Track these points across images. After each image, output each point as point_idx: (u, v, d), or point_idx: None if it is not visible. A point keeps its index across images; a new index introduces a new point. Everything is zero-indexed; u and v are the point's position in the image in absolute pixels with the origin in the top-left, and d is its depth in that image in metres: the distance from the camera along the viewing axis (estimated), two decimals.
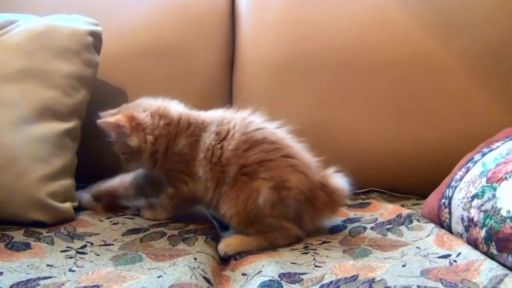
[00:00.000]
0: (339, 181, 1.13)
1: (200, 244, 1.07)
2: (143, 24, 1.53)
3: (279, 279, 0.89)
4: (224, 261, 1.06)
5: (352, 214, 1.27)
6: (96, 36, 1.36)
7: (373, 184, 1.42)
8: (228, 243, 1.08)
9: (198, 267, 0.94)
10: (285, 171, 1.08)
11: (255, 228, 1.08)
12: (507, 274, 0.86)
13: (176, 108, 1.19)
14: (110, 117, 1.14)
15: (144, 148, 1.14)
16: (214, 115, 1.18)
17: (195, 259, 0.97)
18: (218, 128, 1.13)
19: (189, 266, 0.93)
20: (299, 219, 1.10)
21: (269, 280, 0.88)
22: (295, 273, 0.93)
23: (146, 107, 1.17)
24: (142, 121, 1.14)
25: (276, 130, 1.15)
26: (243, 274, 0.95)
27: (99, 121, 1.14)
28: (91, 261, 0.97)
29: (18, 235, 1.08)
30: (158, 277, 0.89)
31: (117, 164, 1.40)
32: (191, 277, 0.89)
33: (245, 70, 1.53)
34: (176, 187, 1.16)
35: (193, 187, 1.14)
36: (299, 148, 1.14)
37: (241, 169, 1.09)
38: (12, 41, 1.25)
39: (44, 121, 1.21)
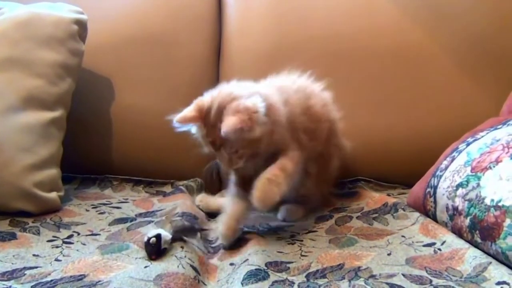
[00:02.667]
0: None
1: (186, 233, 1.06)
2: (129, 13, 1.52)
3: (265, 268, 0.90)
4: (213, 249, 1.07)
5: (338, 204, 1.28)
6: (81, 25, 1.34)
7: (360, 173, 1.43)
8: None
9: (185, 256, 0.94)
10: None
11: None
12: (490, 262, 0.87)
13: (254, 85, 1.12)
14: (230, 121, 0.95)
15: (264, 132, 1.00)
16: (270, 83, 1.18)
17: (182, 247, 0.97)
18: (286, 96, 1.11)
19: (175, 256, 0.93)
20: None
21: (255, 269, 0.89)
22: (282, 262, 0.93)
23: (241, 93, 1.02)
24: (254, 107, 0.99)
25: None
26: (231, 264, 0.96)
27: (223, 132, 0.95)
28: (77, 250, 0.97)
29: (3, 225, 1.08)
30: (145, 267, 0.89)
31: (103, 154, 1.40)
32: (178, 266, 0.89)
33: (232, 59, 1.52)
34: (292, 150, 1.07)
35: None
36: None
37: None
38: None
39: (29, 110, 1.20)
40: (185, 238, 1.00)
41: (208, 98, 1.02)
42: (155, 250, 0.93)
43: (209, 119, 1.00)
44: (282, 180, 1.00)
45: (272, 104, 1.03)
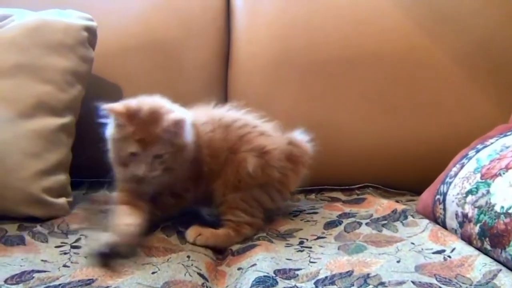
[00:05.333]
0: (301, 137, 1.22)
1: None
2: (138, 20, 1.53)
3: (274, 275, 0.89)
4: (220, 253, 1.07)
5: (347, 210, 1.27)
6: (91, 31, 1.35)
7: (368, 179, 1.43)
8: (199, 231, 1.09)
9: (192, 264, 0.94)
10: (259, 139, 1.15)
11: (240, 195, 1.12)
12: (500, 270, 0.87)
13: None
14: (174, 115, 1.03)
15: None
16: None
17: (188, 257, 0.97)
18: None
19: (182, 264, 0.93)
20: (284, 181, 1.17)
21: (264, 276, 0.88)
22: (290, 269, 0.93)
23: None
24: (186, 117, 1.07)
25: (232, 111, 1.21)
26: (239, 269, 0.95)
27: (169, 124, 1.02)
28: (85, 257, 0.97)
29: (12, 229, 1.08)
30: (153, 273, 0.89)
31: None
32: (185, 274, 0.89)
33: (240, 66, 1.53)
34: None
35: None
36: (254, 119, 1.21)
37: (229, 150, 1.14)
38: (6, 36, 1.24)
39: (39, 116, 1.21)
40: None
41: (133, 101, 1.05)
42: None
43: (138, 118, 1.01)
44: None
45: (196, 125, 1.10)
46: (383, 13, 1.50)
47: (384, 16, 1.50)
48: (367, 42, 1.48)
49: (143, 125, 1.01)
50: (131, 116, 1.01)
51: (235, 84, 1.52)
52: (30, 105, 1.20)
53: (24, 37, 1.25)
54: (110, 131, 1.04)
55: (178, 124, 1.02)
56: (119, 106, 1.03)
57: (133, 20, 1.53)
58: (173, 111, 1.05)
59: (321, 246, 1.05)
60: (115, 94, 1.46)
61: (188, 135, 1.06)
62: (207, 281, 0.91)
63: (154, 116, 1.02)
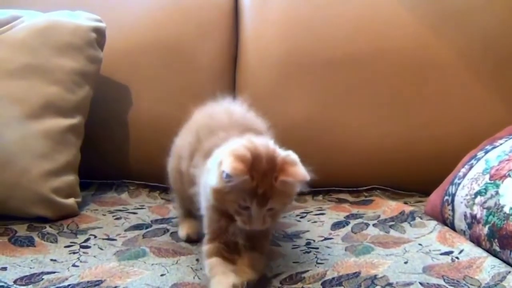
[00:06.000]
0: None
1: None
2: (146, 20, 1.53)
3: (280, 285, 0.89)
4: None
5: (354, 211, 1.27)
6: (100, 32, 1.36)
7: (376, 181, 1.42)
8: (189, 225, 1.08)
9: (201, 268, 0.93)
10: None
11: None
12: (509, 272, 0.86)
13: None
14: (301, 169, 0.86)
15: None
16: None
17: (197, 260, 0.97)
18: None
19: (191, 268, 0.94)
20: None
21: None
22: (297, 273, 0.92)
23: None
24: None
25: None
26: None
27: (299, 179, 0.86)
28: (94, 256, 0.98)
29: (21, 230, 1.09)
30: (162, 275, 0.90)
31: (120, 160, 1.40)
32: (194, 277, 0.90)
33: (248, 66, 1.53)
34: None
35: None
36: None
37: None
38: (16, 37, 1.25)
39: (47, 117, 1.22)
40: None
41: (242, 149, 0.86)
42: None
43: (259, 170, 0.84)
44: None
45: None
46: (390, 12, 1.49)
47: (391, 14, 1.49)
48: (374, 40, 1.48)
49: (263, 177, 0.84)
50: (250, 169, 0.83)
51: (244, 84, 1.52)
52: (38, 106, 1.21)
53: (33, 38, 1.26)
54: (213, 180, 0.85)
55: (304, 180, 0.86)
56: (237, 163, 0.82)
57: (141, 20, 1.54)
58: (292, 160, 0.87)
59: (328, 247, 1.05)
60: (123, 94, 1.47)
61: None
62: None
63: (274, 166, 0.85)
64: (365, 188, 1.41)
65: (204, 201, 0.91)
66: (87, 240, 1.06)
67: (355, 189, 1.42)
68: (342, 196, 1.41)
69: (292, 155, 0.88)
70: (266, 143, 0.89)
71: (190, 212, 1.08)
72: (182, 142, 1.07)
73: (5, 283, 0.85)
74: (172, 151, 1.11)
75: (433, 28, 1.46)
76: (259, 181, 0.84)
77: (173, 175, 1.10)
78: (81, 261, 0.95)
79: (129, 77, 1.49)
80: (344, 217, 1.22)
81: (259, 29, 1.55)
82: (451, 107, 1.43)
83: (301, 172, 0.85)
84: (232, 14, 1.59)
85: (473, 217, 1.03)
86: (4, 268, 0.91)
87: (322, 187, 1.42)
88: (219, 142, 0.92)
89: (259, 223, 0.86)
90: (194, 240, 1.06)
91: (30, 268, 0.92)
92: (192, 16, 1.55)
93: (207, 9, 1.57)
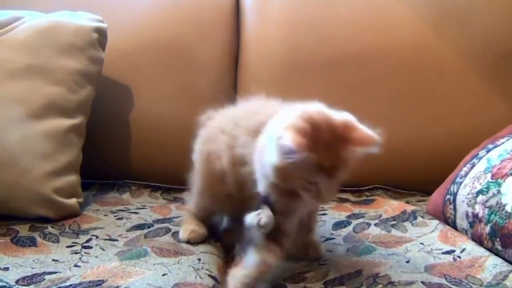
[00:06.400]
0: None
1: (204, 245, 1.06)
2: (147, 20, 1.54)
3: (283, 281, 0.89)
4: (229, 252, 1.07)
5: (356, 210, 1.27)
6: (101, 33, 1.36)
7: (378, 181, 1.42)
8: (192, 229, 1.07)
9: (202, 267, 0.94)
10: None
11: None
12: (511, 271, 0.86)
13: None
14: (370, 134, 0.83)
15: None
16: None
17: (199, 259, 0.97)
18: None
19: (193, 267, 0.93)
20: None
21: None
22: (299, 273, 0.92)
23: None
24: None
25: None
26: None
27: (371, 145, 0.82)
28: (96, 256, 0.98)
29: (23, 230, 1.09)
30: (163, 274, 0.90)
31: (122, 160, 1.40)
32: (195, 277, 0.90)
33: (249, 66, 1.53)
34: None
35: None
36: None
37: None
38: (17, 38, 1.26)
39: (49, 117, 1.22)
40: None
41: (299, 121, 0.79)
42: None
43: (321, 142, 0.78)
44: None
45: None
46: (390, 12, 1.50)
47: (391, 14, 1.50)
48: (375, 40, 1.48)
49: (327, 150, 0.78)
50: (313, 142, 0.77)
51: (245, 84, 1.52)
52: (40, 106, 1.21)
53: (35, 39, 1.26)
54: (273, 158, 0.79)
55: (374, 145, 0.82)
56: (297, 138, 0.76)
57: (142, 20, 1.54)
58: (353, 124, 0.83)
59: (330, 248, 1.05)
60: (125, 94, 1.47)
61: None
62: (219, 283, 0.91)
63: (337, 136, 0.80)
64: (367, 187, 1.41)
65: (263, 179, 0.85)
66: (89, 240, 1.06)
67: (356, 188, 1.42)
68: (343, 195, 1.40)
69: (351, 118, 0.83)
70: (319, 109, 0.83)
71: (207, 217, 1.09)
72: (210, 146, 1.00)
73: (7, 283, 0.85)
74: (199, 159, 1.05)
75: (433, 28, 1.46)
76: (324, 153, 0.77)
77: (207, 182, 1.03)
78: (82, 261, 0.95)
79: (129, 77, 1.49)
80: (346, 217, 1.22)
81: (260, 29, 1.55)
82: (452, 106, 1.43)
83: (367, 136, 0.81)
84: (233, 14, 1.59)
85: (475, 216, 1.02)
86: (6, 268, 0.91)
87: None
88: (265, 118, 0.86)
89: (329, 196, 0.83)
90: (194, 243, 1.06)
91: (32, 268, 0.92)
92: (193, 16, 1.55)
93: (208, 9, 1.57)
